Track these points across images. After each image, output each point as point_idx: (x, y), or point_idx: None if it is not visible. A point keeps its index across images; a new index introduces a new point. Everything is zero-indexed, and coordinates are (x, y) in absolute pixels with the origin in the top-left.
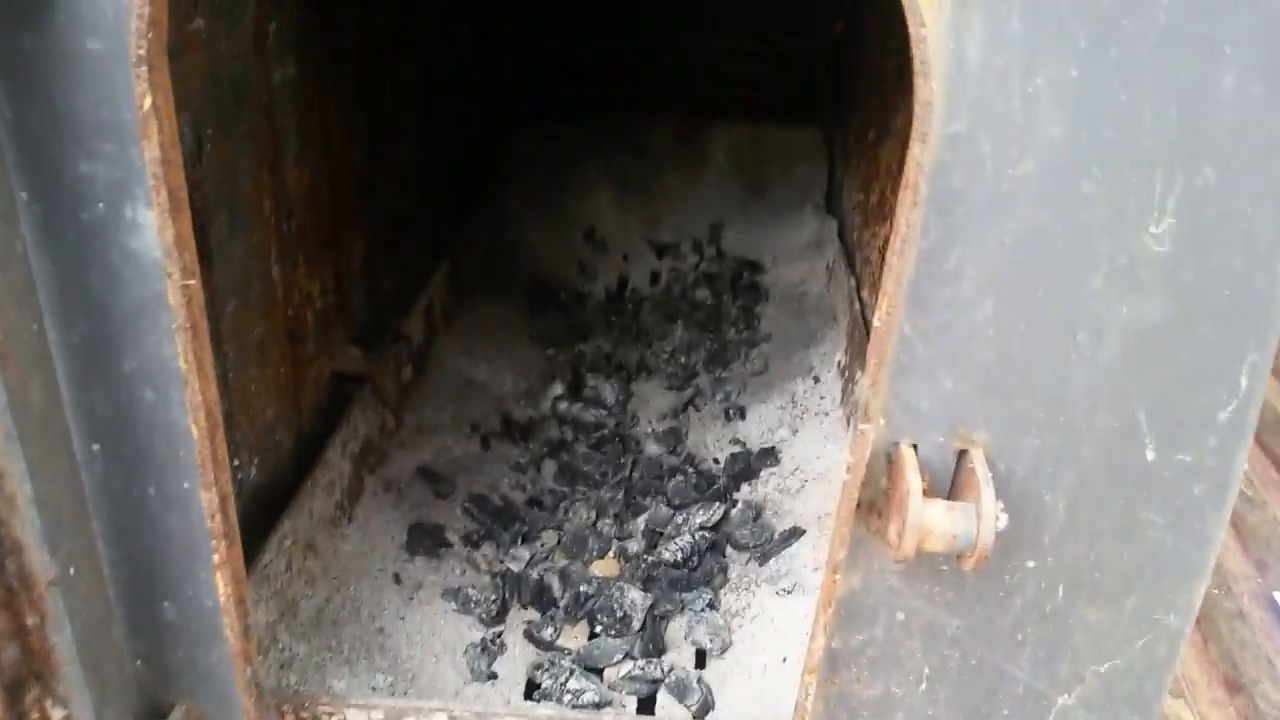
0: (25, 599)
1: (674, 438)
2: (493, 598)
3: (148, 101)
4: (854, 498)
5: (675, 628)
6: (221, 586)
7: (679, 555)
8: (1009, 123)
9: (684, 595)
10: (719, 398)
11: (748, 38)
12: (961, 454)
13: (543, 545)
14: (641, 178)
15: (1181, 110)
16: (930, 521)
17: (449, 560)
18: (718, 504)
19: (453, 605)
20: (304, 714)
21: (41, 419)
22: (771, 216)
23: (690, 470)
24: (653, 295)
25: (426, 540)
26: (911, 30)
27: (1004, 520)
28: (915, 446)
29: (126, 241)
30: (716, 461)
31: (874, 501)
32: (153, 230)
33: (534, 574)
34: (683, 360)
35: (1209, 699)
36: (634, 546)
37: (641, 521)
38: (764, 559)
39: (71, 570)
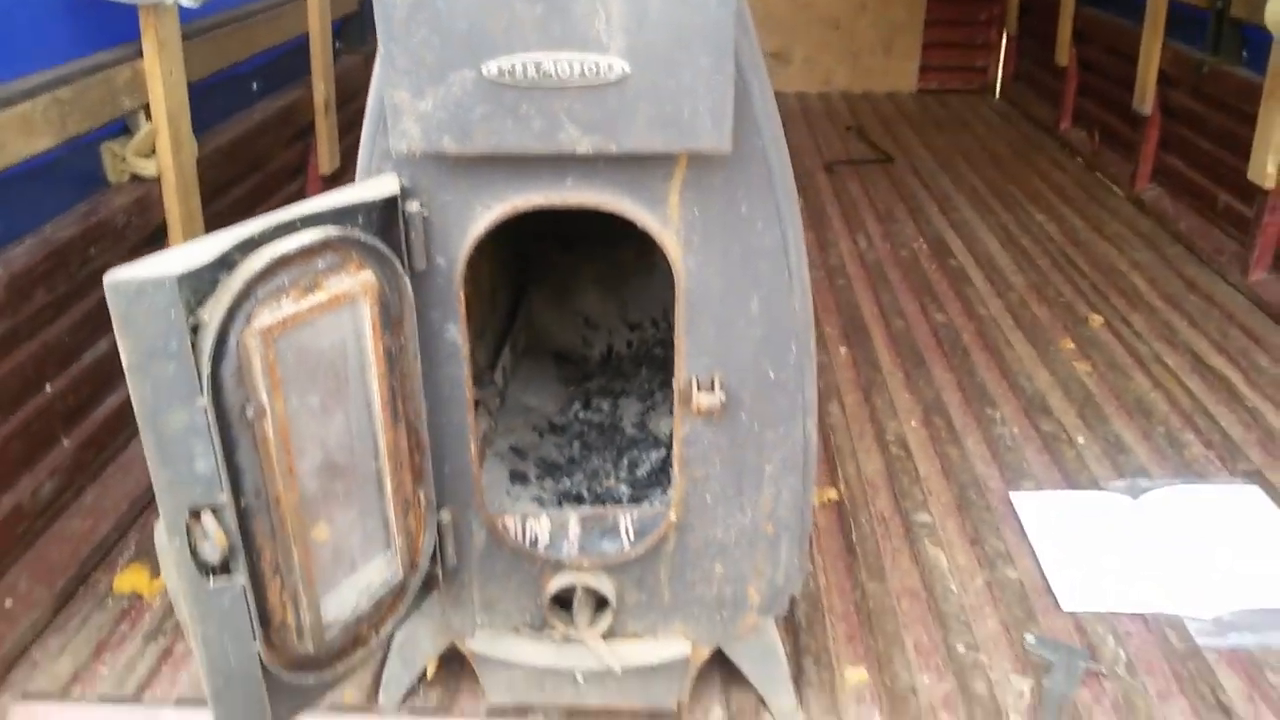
0: (418, 466)
1: (643, 425)
2: (558, 502)
3: None
4: (680, 399)
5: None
6: (473, 448)
7: (646, 474)
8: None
9: (650, 490)
10: (666, 405)
11: None
12: (713, 379)
13: (580, 477)
14: (617, 283)
15: None
16: (703, 401)
17: (532, 486)
18: (665, 449)
19: (537, 506)
20: (498, 521)
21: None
22: None
23: (652, 438)
24: (628, 354)
25: (520, 478)
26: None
27: (722, 396)
28: (698, 379)
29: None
30: (665, 434)
31: (690, 399)
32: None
33: (574, 489)
34: (647, 387)
35: (962, 555)
36: (623, 474)
37: (625, 462)
38: None
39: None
